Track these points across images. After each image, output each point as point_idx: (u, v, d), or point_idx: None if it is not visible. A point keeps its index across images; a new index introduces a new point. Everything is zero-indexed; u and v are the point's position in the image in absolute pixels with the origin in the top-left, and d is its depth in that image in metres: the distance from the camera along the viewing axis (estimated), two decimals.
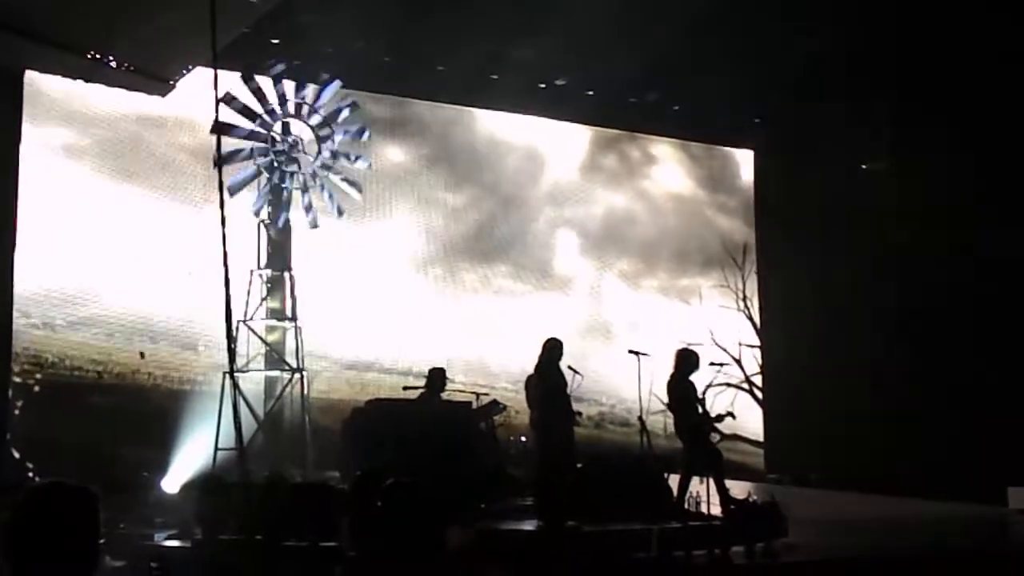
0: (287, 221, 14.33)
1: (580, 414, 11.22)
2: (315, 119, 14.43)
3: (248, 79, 14.02)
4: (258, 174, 14.06)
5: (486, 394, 13.01)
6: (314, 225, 14.40)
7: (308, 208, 14.24)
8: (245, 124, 14.06)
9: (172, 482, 12.63)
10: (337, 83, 14.46)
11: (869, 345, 16.78)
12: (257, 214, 14.18)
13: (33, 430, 13.19)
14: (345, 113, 14.55)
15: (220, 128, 10.86)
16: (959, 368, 15.59)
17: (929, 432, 15.66)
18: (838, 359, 17.09)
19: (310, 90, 14.40)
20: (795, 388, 17.95)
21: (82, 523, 3.07)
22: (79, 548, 3.05)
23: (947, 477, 14.77)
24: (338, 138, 14.49)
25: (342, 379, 15.26)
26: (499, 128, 17.23)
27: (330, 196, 14.41)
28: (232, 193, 13.47)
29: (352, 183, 14.58)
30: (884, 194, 16.85)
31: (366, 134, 14.70)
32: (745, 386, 18.69)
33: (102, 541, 3.14)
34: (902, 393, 16.11)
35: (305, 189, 14.26)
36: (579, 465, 11.16)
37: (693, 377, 11.36)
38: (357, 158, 14.77)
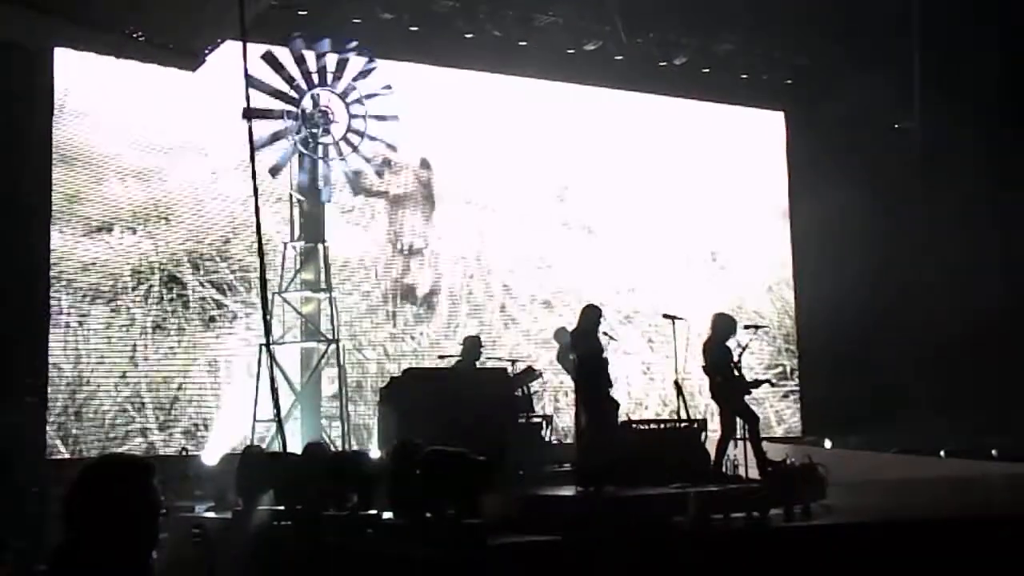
0: (319, 192, 14.32)
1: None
2: (344, 90, 14.36)
3: (278, 50, 13.97)
4: (293, 151, 14.05)
5: (521, 361, 13.04)
6: (328, 199, 14.37)
7: (327, 181, 14.23)
8: (275, 99, 14.02)
9: (211, 454, 12.76)
10: (367, 55, 14.41)
11: (906, 304, 16.68)
12: (281, 177, 14.15)
13: None
14: (374, 84, 14.48)
15: (250, 112, 10.83)
16: (1002, 327, 15.49)
17: (971, 391, 15.58)
18: (875, 319, 17.01)
19: (338, 61, 14.34)
20: (831, 348, 17.85)
21: (137, 495, 3.11)
22: (136, 519, 3.09)
23: (988, 437, 14.70)
24: (366, 110, 14.42)
25: (378, 349, 15.32)
26: (528, 95, 17.08)
27: (353, 170, 14.41)
28: (274, 174, 13.64)
29: (370, 159, 14.55)
30: (913, 153, 16.74)
31: (394, 106, 14.61)
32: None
33: (163, 512, 3.19)
34: (942, 353, 16.02)
35: (329, 160, 14.24)
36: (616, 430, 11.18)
37: (730, 342, 11.35)
38: (383, 129, 14.73)
